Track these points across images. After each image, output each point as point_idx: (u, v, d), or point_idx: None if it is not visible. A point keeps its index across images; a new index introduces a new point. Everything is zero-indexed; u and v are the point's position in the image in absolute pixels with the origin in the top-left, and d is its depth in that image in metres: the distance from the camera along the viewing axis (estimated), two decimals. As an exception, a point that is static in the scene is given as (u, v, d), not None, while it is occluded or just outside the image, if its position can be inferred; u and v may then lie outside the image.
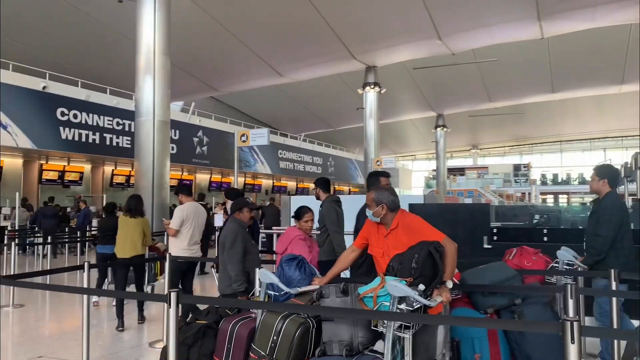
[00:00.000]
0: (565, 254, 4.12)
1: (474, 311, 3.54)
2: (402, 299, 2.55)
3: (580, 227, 8.79)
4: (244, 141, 9.04)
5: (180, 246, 5.67)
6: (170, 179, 10.48)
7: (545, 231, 5.73)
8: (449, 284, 2.81)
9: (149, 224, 6.21)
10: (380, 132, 19.14)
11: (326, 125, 29.46)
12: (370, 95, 18.69)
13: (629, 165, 14.42)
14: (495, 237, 5.58)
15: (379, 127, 18.97)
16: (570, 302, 2.93)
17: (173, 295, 2.72)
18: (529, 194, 30.73)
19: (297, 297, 3.19)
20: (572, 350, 1.94)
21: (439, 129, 28.44)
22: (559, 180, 34.37)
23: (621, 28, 15.48)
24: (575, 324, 1.95)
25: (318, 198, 5.50)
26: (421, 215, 4.53)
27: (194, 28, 14.62)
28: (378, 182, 4.05)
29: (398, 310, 2.53)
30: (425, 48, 16.66)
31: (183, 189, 6.13)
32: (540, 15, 13.97)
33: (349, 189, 30.83)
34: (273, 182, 26.32)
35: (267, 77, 18.88)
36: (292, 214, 4.49)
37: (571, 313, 2.91)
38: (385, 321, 2.50)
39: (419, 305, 2.56)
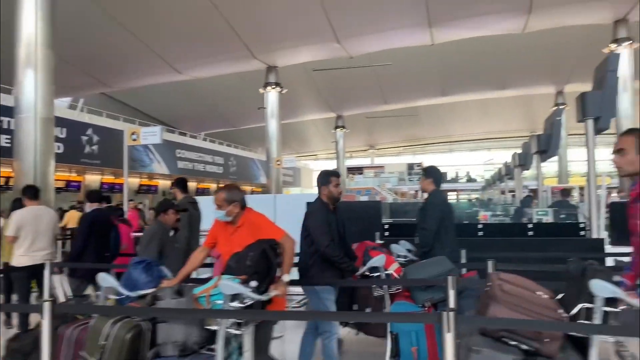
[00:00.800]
0: (399, 247, 4.50)
1: (414, 305, 3.65)
2: (235, 297, 2.62)
3: (466, 222, 9.44)
4: (134, 139, 8.64)
5: (17, 253, 5.34)
6: (57, 180, 9.80)
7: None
8: (286, 278, 2.99)
9: None
10: (282, 131, 19.19)
11: (228, 124, 29.04)
12: (272, 95, 18.69)
13: (508, 164, 15.74)
14: (386, 233, 5.83)
15: (280, 127, 19.01)
16: (451, 293, 3.12)
17: (47, 305, 2.56)
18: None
19: (139, 301, 3.17)
20: (449, 338, 2.08)
21: (338, 129, 29.08)
22: (449, 178, 36.49)
23: (502, 37, 16.76)
24: (451, 314, 2.09)
25: (174, 199, 5.47)
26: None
27: (82, 20, 13.75)
28: (329, 181, 4.09)
29: (230, 308, 2.62)
30: (324, 50, 16.97)
31: (27, 191, 5.74)
32: (431, 22, 14.74)
33: (252, 189, 30.65)
34: (171, 183, 25.46)
35: (164, 73, 18.21)
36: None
37: (452, 304, 3.10)
38: (218, 319, 2.56)
39: (251, 302, 2.66)
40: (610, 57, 5.98)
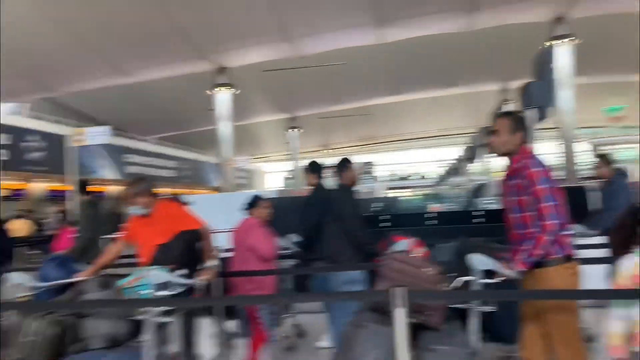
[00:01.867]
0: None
1: None
2: (163, 286, 2.64)
3: (417, 212, 9.66)
4: (80, 140, 8.39)
5: None
6: (2, 188, 9.41)
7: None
8: (210, 264, 3.20)
9: None
10: (235, 133, 19.02)
11: (180, 126, 28.53)
12: (223, 97, 18.49)
13: (459, 159, 16.24)
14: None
15: (233, 129, 18.83)
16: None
17: None
18: (376, 189, 32.74)
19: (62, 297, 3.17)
20: (399, 313, 2.13)
21: (292, 130, 29.04)
22: (402, 176, 37.13)
23: (450, 35, 17.18)
24: (402, 289, 2.15)
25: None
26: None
27: (24, 24, 13.23)
28: (348, 167, 4.39)
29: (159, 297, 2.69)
30: (275, 50, 16.95)
31: None
32: (380, 22, 14.99)
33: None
34: (122, 191, 24.78)
35: (112, 76, 17.77)
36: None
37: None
38: (145, 309, 2.57)
39: (181, 290, 2.75)
40: (545, 49, 6.26)
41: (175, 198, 4.79)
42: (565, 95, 14.37)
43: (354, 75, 22.03)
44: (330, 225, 4.16)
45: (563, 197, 2.74)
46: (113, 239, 4.26)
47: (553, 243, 2.68)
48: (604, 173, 4.98)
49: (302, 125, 29.18)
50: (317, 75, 21.34)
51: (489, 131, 2.92)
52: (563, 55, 14.32)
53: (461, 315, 2.77)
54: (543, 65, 5.87)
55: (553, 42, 14.73)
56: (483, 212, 6.72)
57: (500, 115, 3.02)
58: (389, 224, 6.06)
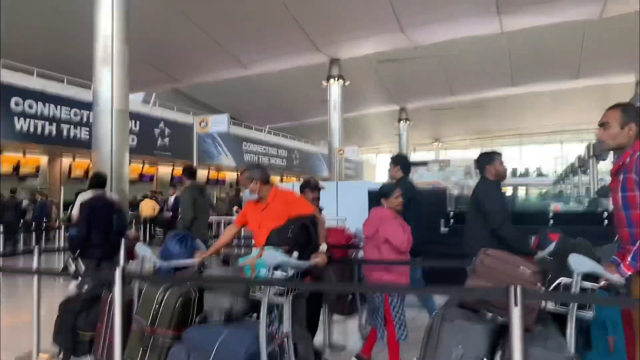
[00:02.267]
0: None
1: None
2: (277, 267, 2.79)
3: (537, 211, 9.11)
4: (203, 127, 8.93)
5: None
6: (131, 171, 10.29)
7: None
8: (323, 247, 3.28)
9: None
10: (344, 125, 19.22)
11: (291, 117, 29.40)
12: (334, 88, 18.75)
13: (582, 156, 15.03)
14: (451, 221, 5.72)
15: (343, 120, 19.03)
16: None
17: (118, 272, 2.82)
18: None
19: (186, 271, 3.45)
20: (515, 312, 2.01)
21: (402, 122, 28.71)
22: (518, 173, 35.26)
23: (577, 24, 15.95)
24: (518, 288, 2.03)
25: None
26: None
27: (154, 17, 14.35)
28: (494, 159, 4.12)
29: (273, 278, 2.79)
30: (389, 41, 16.81)
31: (91, 179, 6.05)
32: (500, 9, 14.27)
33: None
34: (237, 175, 26.09)
35: (231, 68, 18.71)
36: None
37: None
38: (261, 287, 2.75)
39: (293, 272, 2.87)
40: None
41: (310, 183, 4.84)
42: None
43: (469, 66, 21.24)
44: (472, 221, 3.95)
45: None
46: (228, 223, 4.52)
47: None
48: None
49: (412, 118, 28.73)
50: (430, 66, 20.86)
51: (599, 124, 2.68)
52: None
53: (557, 320, 2.57)
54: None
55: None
56: (607, 214, 6.17)
57: (612, 106, 2.76)
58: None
